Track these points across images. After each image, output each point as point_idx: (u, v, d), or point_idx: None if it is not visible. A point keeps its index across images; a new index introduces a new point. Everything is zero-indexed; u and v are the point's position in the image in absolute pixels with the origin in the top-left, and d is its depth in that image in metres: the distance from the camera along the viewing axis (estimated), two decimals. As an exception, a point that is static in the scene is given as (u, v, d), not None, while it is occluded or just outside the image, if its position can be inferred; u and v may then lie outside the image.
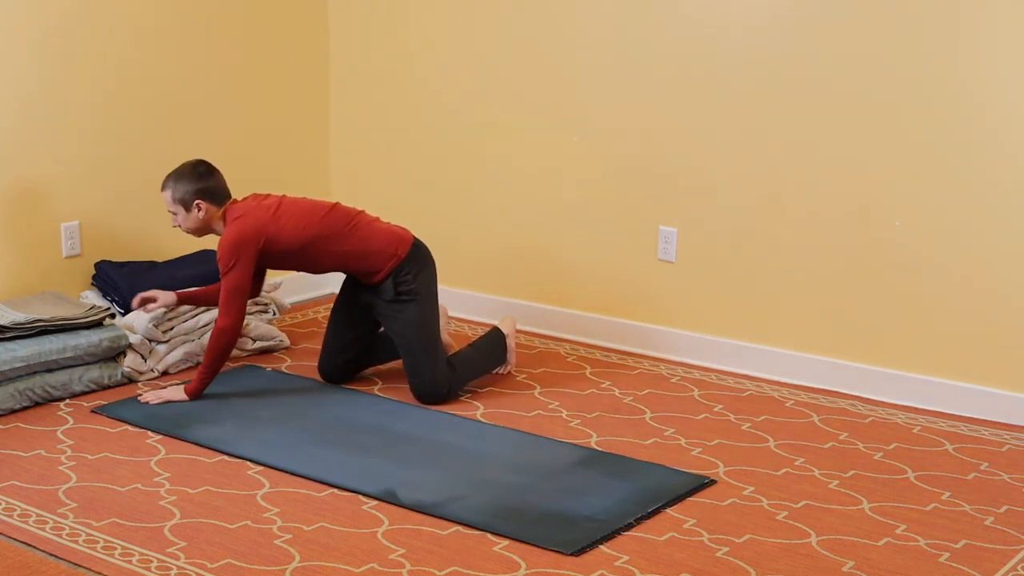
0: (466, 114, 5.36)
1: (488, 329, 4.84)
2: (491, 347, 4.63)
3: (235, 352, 4.83)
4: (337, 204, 4.49)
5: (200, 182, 4.33)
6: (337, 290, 5.78)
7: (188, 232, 4.41)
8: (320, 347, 4.67)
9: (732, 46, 4.67)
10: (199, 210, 4.33)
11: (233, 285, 4.25)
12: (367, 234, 4.41)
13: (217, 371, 4.33)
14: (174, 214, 4.37)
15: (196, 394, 4.32)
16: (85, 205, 4.84)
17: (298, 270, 4.51)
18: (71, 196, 4.79)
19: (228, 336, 4.26)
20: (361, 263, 4.40)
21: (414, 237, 4.49)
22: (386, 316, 4.43)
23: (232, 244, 4.25)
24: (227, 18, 5.25)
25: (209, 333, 4.67)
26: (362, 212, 4.50)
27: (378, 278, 4.39)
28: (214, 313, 4.72)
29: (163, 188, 4.36)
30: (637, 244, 5.02)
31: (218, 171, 4.40)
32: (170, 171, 4.38)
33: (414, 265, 4.41)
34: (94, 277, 4.83)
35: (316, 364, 4.67)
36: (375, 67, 5.60)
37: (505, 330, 4.68)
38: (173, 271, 4.85)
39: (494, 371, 4.69)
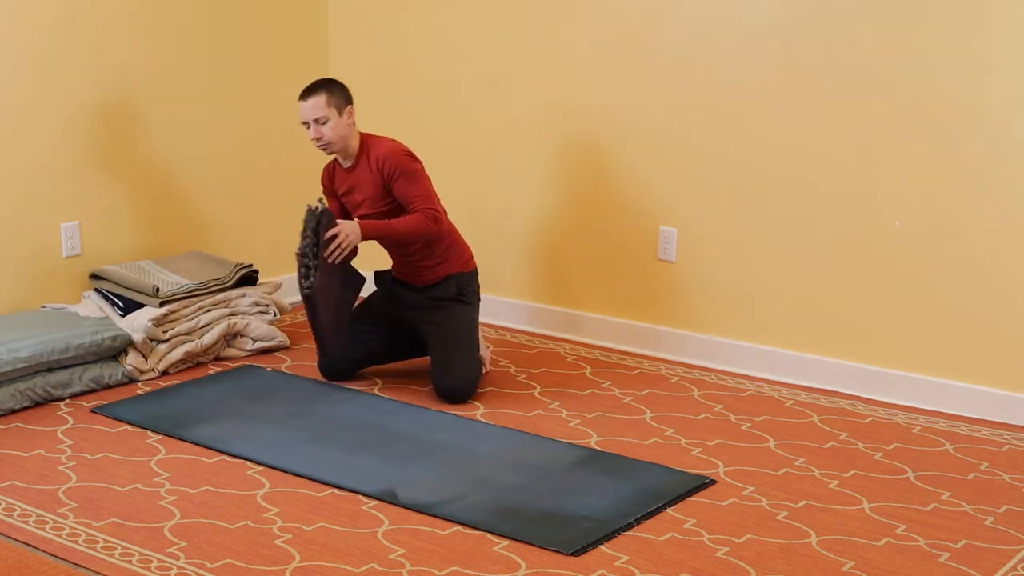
0: (465, 113, 5.36)
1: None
2: None
3: (235, 352, 4.84)
4: None
5: (348, 92, 4.44)
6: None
7: (329, 141, 4.38)
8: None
9: (733, 46, 4.67)
10: (349, 117, 4.42)
11: (431, 188, 4.45)
12: (452, 229, 4.57)
13: (396, 242, 4.41)
14: (321, 122, 4.35)
15: (365, 236, 4.31)
16: (85, 205, 4.84)
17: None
18: (71, 196, 4.79)
19: (441, 227, 4.42)
20: (439, 248, 4.49)
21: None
22: (439, 311, 4.49)
23: (408, 151, 4.44)
24: (227, 18, 5.25)
25: (208, 333, 4.69)
26: None
27: (436, 275, 4.49)
28: (214, 314, 4.73)
29: (311, 95, 4.36)
30: (637, 244, 5.02)
31: None
32: (307, 86, 4.40)
33: (475, 281, 4.60)
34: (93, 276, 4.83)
35: (316, 363, 4.67)
36: (375, 65, 5.60)
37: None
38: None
39: None
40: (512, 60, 5.20)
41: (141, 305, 4.64)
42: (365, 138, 4.50)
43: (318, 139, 4.38)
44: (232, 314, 4.82)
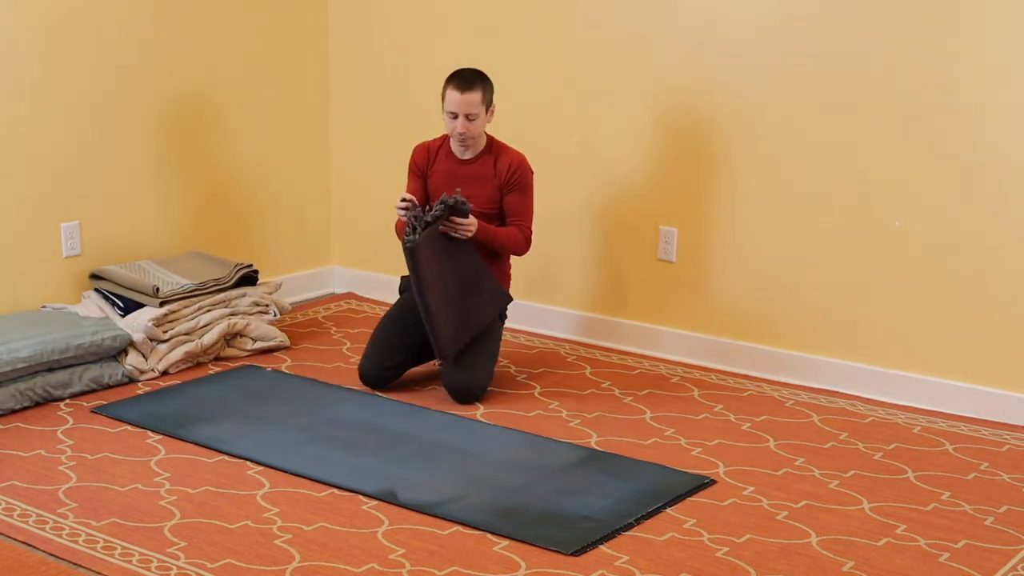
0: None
1: None
2: None
3: (235, 352, 4.84)
4: None
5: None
6: (338, 290, 5.82)
7: (471, 137, 4.41)
8: (363, 350, 4.59)
9: (733, 47, 4.67)
10: (491, 116, 4.45)
11: (533, 208, 4.55)
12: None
13: (489, 250, 4.45)
14: (471, 118, 4.36)
15: (474, 237, 4.32)
16: (85, 205, 4.84)
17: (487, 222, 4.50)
18: (71, 196, 4.79)
19: (528, 250, 4.58)
20: (499, 264, 4.56)
21: None
22: None
23: (531, 167, 4.51)
24: (227, 18, 5.25)
25: (208, 333, 4.69)
26: None
27: None
28: (214, 314, 4.73)
29: (470, 89, 4.33)
30: (637, 244, 5.02)
31: None
32: (462, 75, 4.36)
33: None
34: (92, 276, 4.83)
35: (317, 364, 4.67)
36: (375, 63, 5.60)
37: None
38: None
39: None
40: (511, 59, 5.20)
41: (141, 305, 4.64)
42: (491, 138, 4.54)
43: (463, 133, 4.39)
44: (232, 314, 4.82)
